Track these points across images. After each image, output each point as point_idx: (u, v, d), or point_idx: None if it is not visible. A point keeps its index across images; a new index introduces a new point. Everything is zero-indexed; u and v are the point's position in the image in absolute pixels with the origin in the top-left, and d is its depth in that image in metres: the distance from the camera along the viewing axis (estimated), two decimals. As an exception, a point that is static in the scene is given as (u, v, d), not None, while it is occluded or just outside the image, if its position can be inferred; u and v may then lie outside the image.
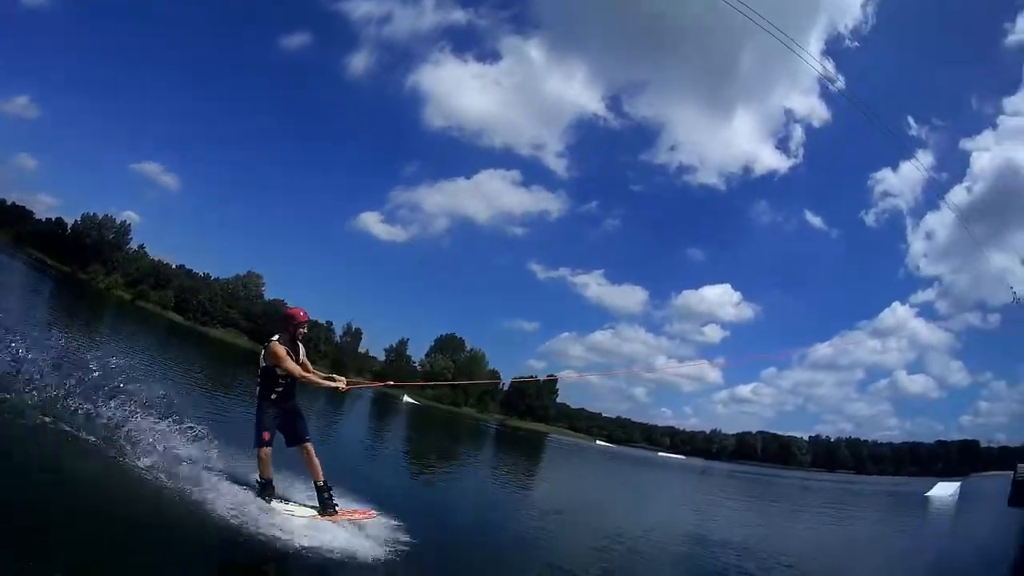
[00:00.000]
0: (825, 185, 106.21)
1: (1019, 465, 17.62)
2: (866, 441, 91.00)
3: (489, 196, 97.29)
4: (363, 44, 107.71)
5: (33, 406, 5.81)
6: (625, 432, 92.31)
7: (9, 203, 74.24)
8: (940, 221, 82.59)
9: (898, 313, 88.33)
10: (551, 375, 76.52)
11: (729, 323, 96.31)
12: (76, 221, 73.46)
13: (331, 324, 79.04)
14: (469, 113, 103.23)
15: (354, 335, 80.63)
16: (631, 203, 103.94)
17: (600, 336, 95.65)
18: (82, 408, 6.04)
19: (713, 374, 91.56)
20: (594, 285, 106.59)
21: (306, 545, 4.99)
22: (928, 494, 29.30)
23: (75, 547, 3.88)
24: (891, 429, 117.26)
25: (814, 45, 74.82)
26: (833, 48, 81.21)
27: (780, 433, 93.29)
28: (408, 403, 48.18)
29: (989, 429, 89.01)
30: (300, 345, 6.06)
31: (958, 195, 77.89)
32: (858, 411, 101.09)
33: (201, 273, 78.08)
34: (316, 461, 5.86)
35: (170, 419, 6.41)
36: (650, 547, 8.89)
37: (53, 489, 4.58)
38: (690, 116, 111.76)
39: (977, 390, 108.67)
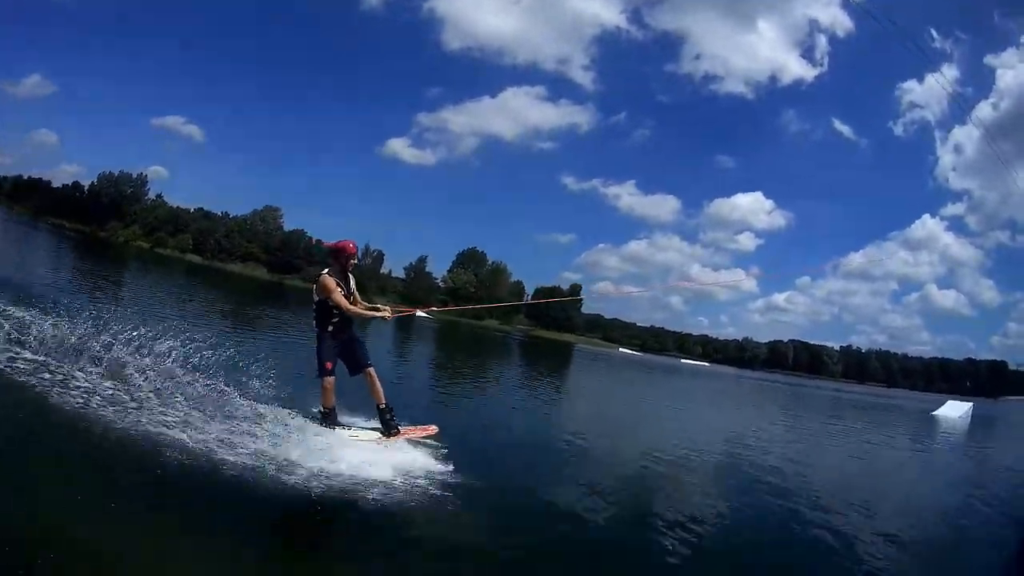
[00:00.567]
0: (852, 95, 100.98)
1: None
2: (896, 354, 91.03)
3: (516, 113, 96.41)
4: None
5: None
6: (658, 341, 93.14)
7: (26, 178, 74.44)
8: (967, 135, 78.47)
9: (928, 225, 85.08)
10: (572, 295, 76.64)
11: (763, 231, 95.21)
12: (92, 183, 73.55)
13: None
14: (488, 33, 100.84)
15: (376, 257, 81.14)
16: (659, 114, 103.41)
17: (635, 246, 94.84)
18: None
19: (748, 283, 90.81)
20: (626, 196, 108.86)
21: (368, 467, 5.12)
22: (935, 413, 25.94)
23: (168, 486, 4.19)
24: (924, 344, 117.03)
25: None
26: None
27: (812, 343, 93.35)
28: (422, 316, 48.00)
29: (1017, 352, 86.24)
30: (351, 276, 6.07)
31: (984, 111, 73.89)
32: (891, 322, 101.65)
33: (219, 213, 78.41)
34: (379, 386, 6.05)
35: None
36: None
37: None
38: (713, 26, 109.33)
39: (1008, 310, 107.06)
